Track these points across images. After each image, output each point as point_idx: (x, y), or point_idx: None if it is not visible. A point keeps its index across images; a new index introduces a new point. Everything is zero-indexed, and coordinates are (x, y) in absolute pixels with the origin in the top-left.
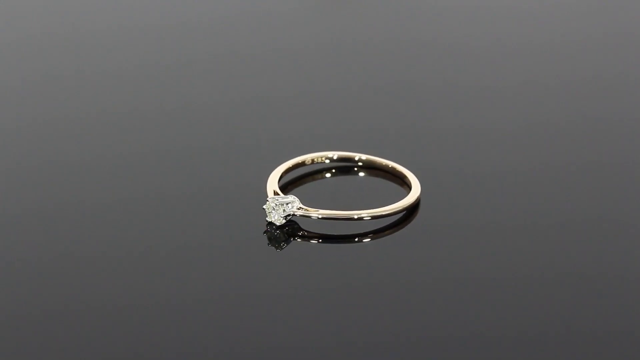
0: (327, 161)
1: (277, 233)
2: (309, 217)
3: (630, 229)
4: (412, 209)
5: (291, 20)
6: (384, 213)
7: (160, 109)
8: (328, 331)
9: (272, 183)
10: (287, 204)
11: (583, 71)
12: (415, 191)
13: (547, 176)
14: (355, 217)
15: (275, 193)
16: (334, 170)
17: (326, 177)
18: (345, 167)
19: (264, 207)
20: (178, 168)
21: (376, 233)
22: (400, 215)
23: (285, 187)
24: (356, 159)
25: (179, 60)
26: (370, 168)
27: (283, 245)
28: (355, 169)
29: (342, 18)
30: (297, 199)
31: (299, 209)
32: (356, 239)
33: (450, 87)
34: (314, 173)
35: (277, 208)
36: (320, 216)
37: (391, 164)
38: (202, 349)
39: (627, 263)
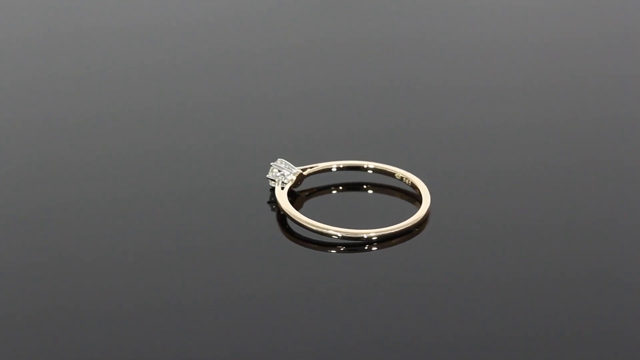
0: (334, 169)
1: (272, 185)
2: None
3: None
4: (422, 223)
5: (292, 19)
6: (393, 231)
7: (159, 109)
8: (324, 334)
9: (312, 168)
10: (280, 170)
11: (601, 69)
12: (425, 205)
13: (550, 177)
14: (365, 236)
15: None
16: (341, 187)
17: (339, 187)
18: (354, 175)
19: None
20: (177, 167)
21: (382, 242)
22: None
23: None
24: (365, 167)
25: (182, 60)
26: (380, 179)
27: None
28: (365, 186)
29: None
30: (294, 176)
31: (283, 182)
32: (366, 247)
33: (456, 88)
34: (335, 184)
35: (275, 168)
36: (335, 233)
37: (401, 172)
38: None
39: None
